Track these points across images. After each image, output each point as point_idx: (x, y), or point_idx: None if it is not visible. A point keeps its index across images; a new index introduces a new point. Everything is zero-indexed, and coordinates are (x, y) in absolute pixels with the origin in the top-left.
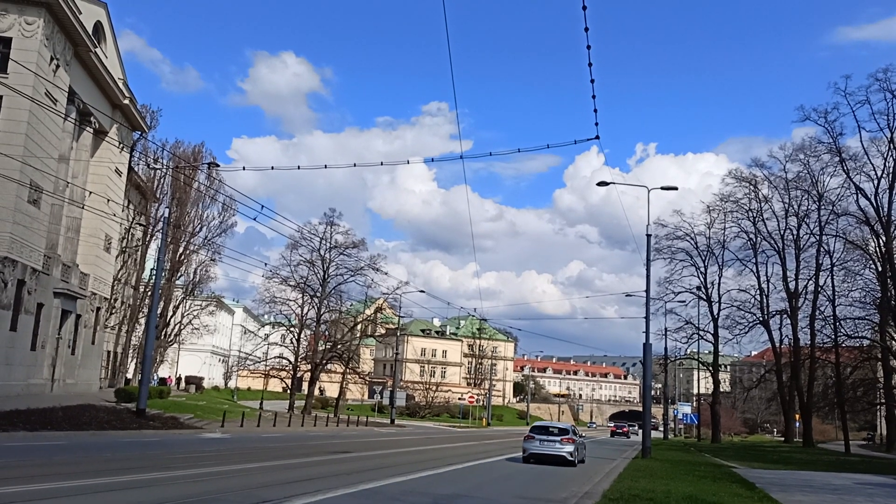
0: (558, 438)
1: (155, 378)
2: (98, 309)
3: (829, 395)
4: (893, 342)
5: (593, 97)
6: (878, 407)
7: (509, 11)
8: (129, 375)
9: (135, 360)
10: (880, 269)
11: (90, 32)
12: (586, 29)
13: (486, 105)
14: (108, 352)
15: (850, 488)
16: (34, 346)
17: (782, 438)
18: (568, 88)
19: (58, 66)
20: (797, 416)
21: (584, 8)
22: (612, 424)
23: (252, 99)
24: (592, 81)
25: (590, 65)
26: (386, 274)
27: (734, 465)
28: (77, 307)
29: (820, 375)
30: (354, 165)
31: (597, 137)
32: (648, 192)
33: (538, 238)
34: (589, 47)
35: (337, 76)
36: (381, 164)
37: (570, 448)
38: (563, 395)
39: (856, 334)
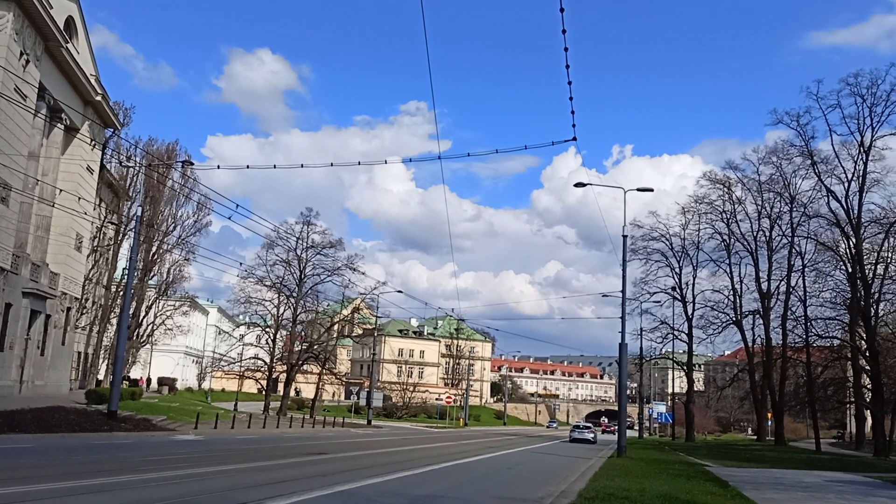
0: (586, 430)
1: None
2: (68, 309)
3: (800, 394)
4: (863, 342)
5: (570, 98)
6: (848, 406)
7: (488, 11)
8: (101, 377)
9: (106, 361)
10: (850, 270)
11: (61, 27)
12: (563, 31)
13: (465, 105)
14: (79, 353)
15: (821, 486)
16: (2, 347)
17: (755, 437)
18: (546, 90)
19: (28, 62)
20: (769, 415)
21: (562, 10)
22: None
23: (227, 96)
24: (570, 83)
25: (567, 66)
26: (363, 274)
27: (708, 463)
28: (47, 307)
29: (791, 375)
30: (332, 165)
31: (574, 139)
32: (625, 193)
33: (516, 238)
34: (566, 49)
35: (314, 74)
36: (359, 163)
37: (591, 435)
38: (549, 395)
39: (826, 334)
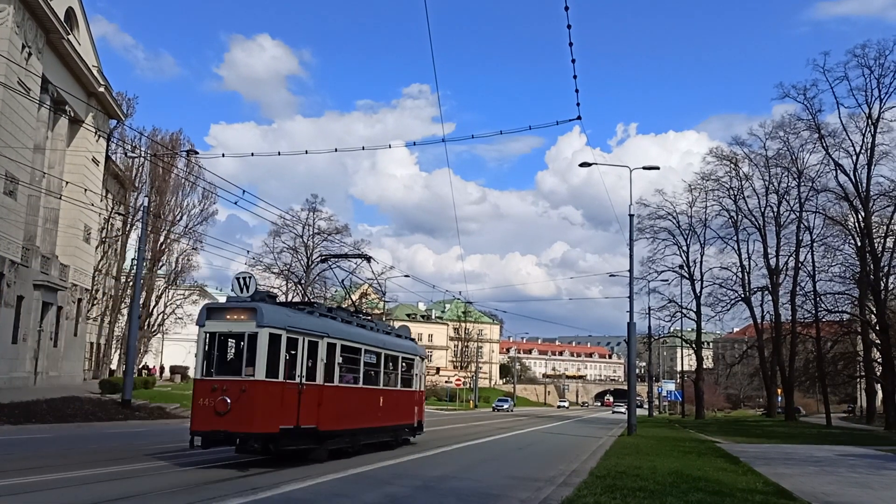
0: (621, 407)
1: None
2: (79, 300)
3: (810, 370)
4: (873, 316)
5: (574, 77)
6: (858, 380)
7: None
8: (114, 366)
9: (119, 351)
10: (859, 243)
11: (62, 19)
12: (566, 8)
13: (469, 87)
14: (92, 343)
15: (832, 460)
16: (15, 339)
17: (765, 413)
18: (549, 69)
19: (30, 54)
20: (779, 391)
21: None
22: (598, 403)
23: (229, 84)
24: (573, 61)
25: (570, 45)
26: (370, 259)
27: (718, 440)
28: (58, 299)
29: (801, 350)
30: (336, 150)
31: (578, 118)
32: (630, 172)
33: (522, 220)
34: (569, 27)
35: (315, 58)
36: (363, 148)
37: (622, 408)
38: (557, 376)
39: (836, 309)
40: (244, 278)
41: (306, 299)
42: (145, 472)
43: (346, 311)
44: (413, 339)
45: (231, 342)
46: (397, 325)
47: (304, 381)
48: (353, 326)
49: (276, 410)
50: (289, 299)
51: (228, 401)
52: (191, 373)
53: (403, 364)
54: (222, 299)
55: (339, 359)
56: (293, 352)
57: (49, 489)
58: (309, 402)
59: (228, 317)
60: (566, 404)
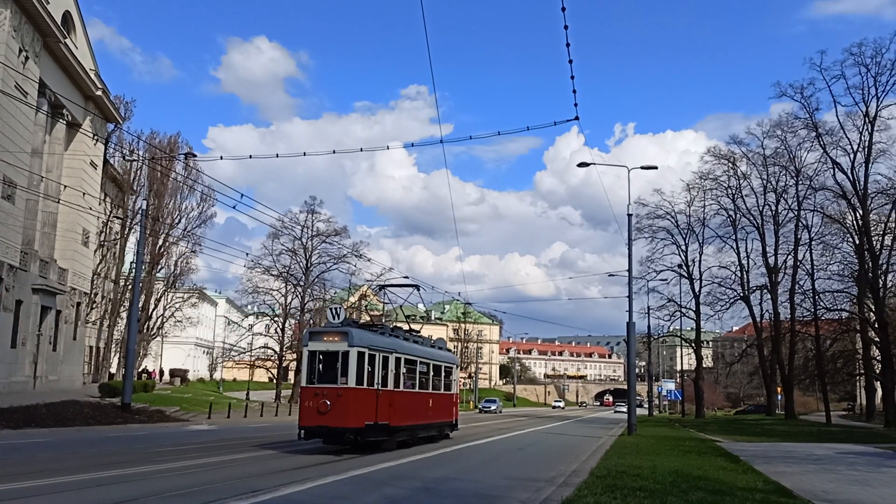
0: (621, 406)
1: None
2: (78, 304)
3: (809, 368)
4: (871, 314)
5: (572, 78)
6: (858, 378)
7: None
8: (113, 370)
9: (118, 355)
10: (857, 241)
11: (59, 23)
12: (563, 9)
13: (466, 88)
14: (91, 347)
15: (832, 458)
16: (14, 343)
17: (765, 411)
18: (547, 70)
19: (27, 58)
20: (779, 389)
21: None
22: (597, 403)
23: (227, 87)
24: (571, 62)
25: (567, 45)
26: (369, 260)
27: (718, 439)
28: (57, 303)
29: (800, 348)
30: (334, 152)
31: (576, 118)
32: (629, 171)
33: (521, 220)
34: (566, 27)
35: (313, 60)
36: (361, 150)
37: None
38: (557, 376)
39: (835, 307)
40: (335, 309)
41: (305, 301)
42: (144, 476)
43: (402, 329)
44: (450, 350)
45: (328, 358)
46: (398, 325)
47: (380, 387)
48: (410, 343)
49: (362, 410)
50: (288, 301)
51: (329, 403)
52: (190, 376)
53: (444, 372)
54: (221, 303)
55: (403, 369)
56: (372, 365)
57: (46, 494)
58: (384, 404)
59: (325, 339)
60: (561, 404)
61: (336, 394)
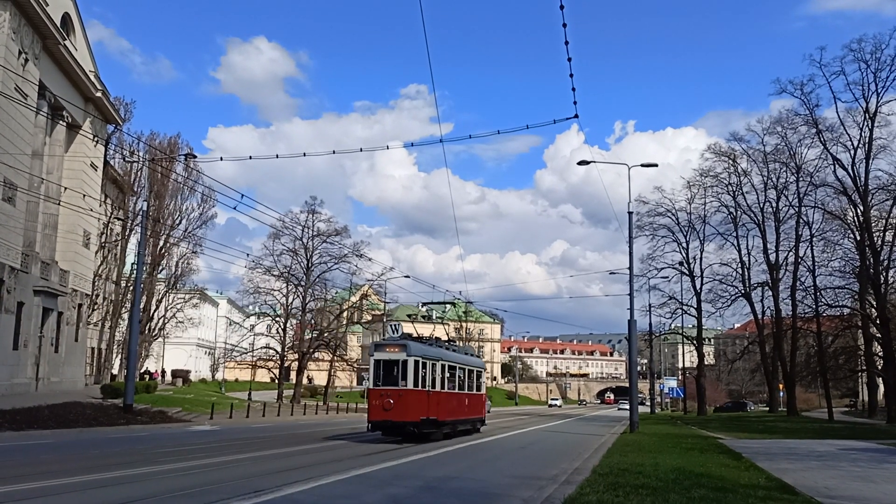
0: (625, 403)
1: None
2: (80, 306)
3: (811, 364)
4: (873, 310)
5: (571, 76)
6: (860, 374)
7: None
8: (115, 371)
9: (120, 356)
10: (858, 238)
11: (58, 24)
12: (561, 7)
13: (466, 87)
14: (93, 348)
15: (834, 454)
16: (16, 345)
17: (767, 408)
18: (547, 68)
19: (27, 60)
20: (781, 386)
21: None
22: (598, 401)
23: (227, 87)
24: (570, 60)
25: (566, 43)
26: (370, 260)
27: (720, 436)
28: (58, 304)
29: (802, 345)
30: (333, 152)
31: (576, 116)
32: (629, 169)
33: (521, 219)
34: (565, 26)
35: (313, 60)
36: (361, 150)
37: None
38: (559, 374)
39: (836, 303)
40: (395, 325)
41: (307, 301)
42: (147, 476)
43: (443, 340)
44: (479, 357)
45: (391, 365)
46: (402, 325)
47: (430, 388)
48: (451, 351)
49: (418, 407)
50: (289, 302)
51: (392, 401)
52: (192, 377)
53: (475, 375)
54: (223, 303)
55: (446, 374)
56: (424, 370)
57: (49, 495)
58: (433, 402)
59: (388, 349)
60: (559, 403)
61: (398, 394)
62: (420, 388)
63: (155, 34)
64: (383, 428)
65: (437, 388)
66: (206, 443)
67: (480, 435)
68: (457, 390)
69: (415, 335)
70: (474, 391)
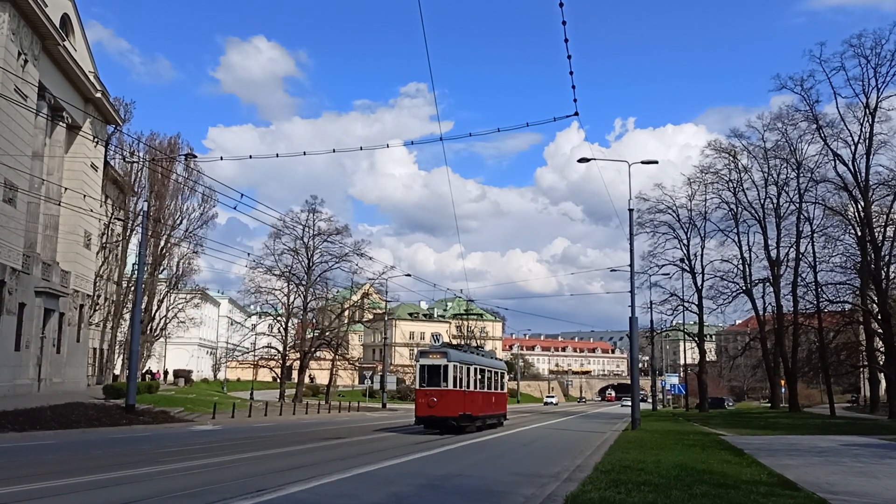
0: (627, 400)
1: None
2: (81, 306)
3: (813, 360)
4: (874, 305)
5: (571, 73)
6: (862, 369)
7: None
8: (117, 371)
9: (122, 356)
10: (859, 233)
11: (57, 25)
12: (561, 5)
13: (466, 85)
14: (94, 349)
15: (836, 450)
16: (18, 346)
17: (769, 404)
18: (546, 66)
19: (26, 62)
20: (782, 382)
21: None
22: (598, 398)
23: (226, 87)
24: (569, 57)
25: (566, 41)
26: (371, 259)
27: (722, 432)
28: (60, 305)
29: (804, 341)
30: (333, 151)
31: (576, 114)
32: (629, 166)
33: (522, 217)
34: (564, 23)
35: (312, 59)
36: (361, 148)
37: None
38: (561, 372)
39: (838, 299)
40: (437, 336)
41: (308, 300)
42: (149, 476)
43: (473, 347)
44: (501, 360)
45: (434, 370)
46: (401, 323)
47: (465, 388)
48: (480, 356)
49: (457, 404)
50: (291, 301)
51: (435, 400)
52: (194, 376)
53: (499, 376)
54: (224, 303)
55: (477, 375)
56: (460, 373)
57: (52, 496)
58: (468, 400)
59: (431, 356)
60: (554, 401)
61: (440, 394)
62: (458, 388)
63: (154, 34)
64: (428, 422)
65: (471, 388)
66: (208, 442)
67: (480, 434)
68: (486, 390)
69: (453, 344)
70: (499, 390)
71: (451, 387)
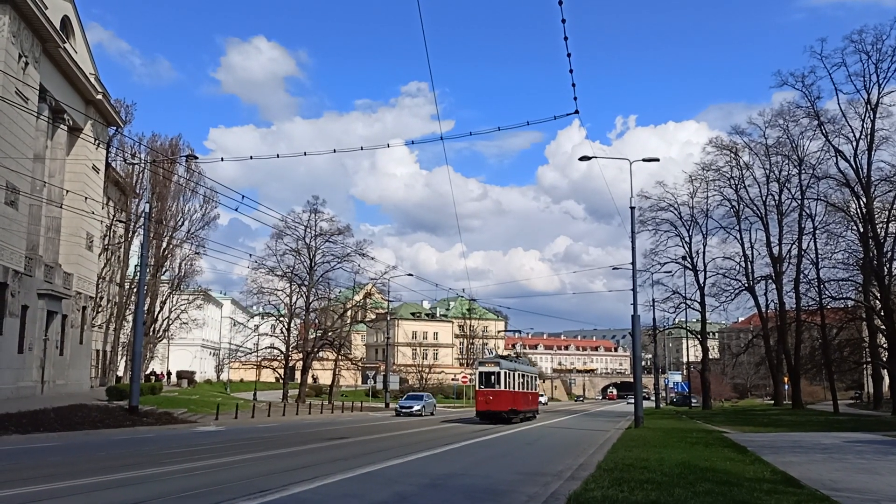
0: (632, 398)
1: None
2: (84, 308)
3: (816, 357)
4: (877, 301)
5: (571, 71)
6: (865, 366)
7: None
8: (120, 373)
9: (125, 358)
10: (862, 229)
11: (58, 28)
12: (560, 2)
13: (466, 84)
14: (97, 350)
15: (840, 447)
16: (21, 348)
17: (772, 402)
18: (547, 64)
19: (27, 64)
20: (786, 379)
21: None
22: (599, 396)
23: (227, 87)
24: (569, 55)
25: (566, 39)
26: (373, 259)
27: (725, 430)
28: (62, 307)
29: (806, 338)
30: (334, 151)
31: (576, 112)
32: (630, 164)
33: (524, 216)
34: (564, 21)
35: (312, 59)
36: (362, 148)
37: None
38: (564, 370)
39: (840, 295)
40: (490, 350)
41: (310, 301)
42: (153, 478)
43: (515, 355)
44: (535, 364)
45: (489, 375)
46: (404, 323)
47: (512, 389)
48: (521, 364)
49: (506, 401)
50: (293, 301)
51: (491, 398)
52: (197, 378)
53: (534, 378)
54: (226, 304)
55: (519, 379)
56: (507, 377)
57: (56, 497)
58: (513, 398)
59: (487, 365)
60: (543, 399)
61: (495, 393)
62: (507, 389)
63: (154, 35)
64: (485, 416)
65: (515, 389)
66: (211, 443)
67: (483, 433)
68: (524, 390)
69: (502, 355)
70: (533, 390)
71: (502, 388)
